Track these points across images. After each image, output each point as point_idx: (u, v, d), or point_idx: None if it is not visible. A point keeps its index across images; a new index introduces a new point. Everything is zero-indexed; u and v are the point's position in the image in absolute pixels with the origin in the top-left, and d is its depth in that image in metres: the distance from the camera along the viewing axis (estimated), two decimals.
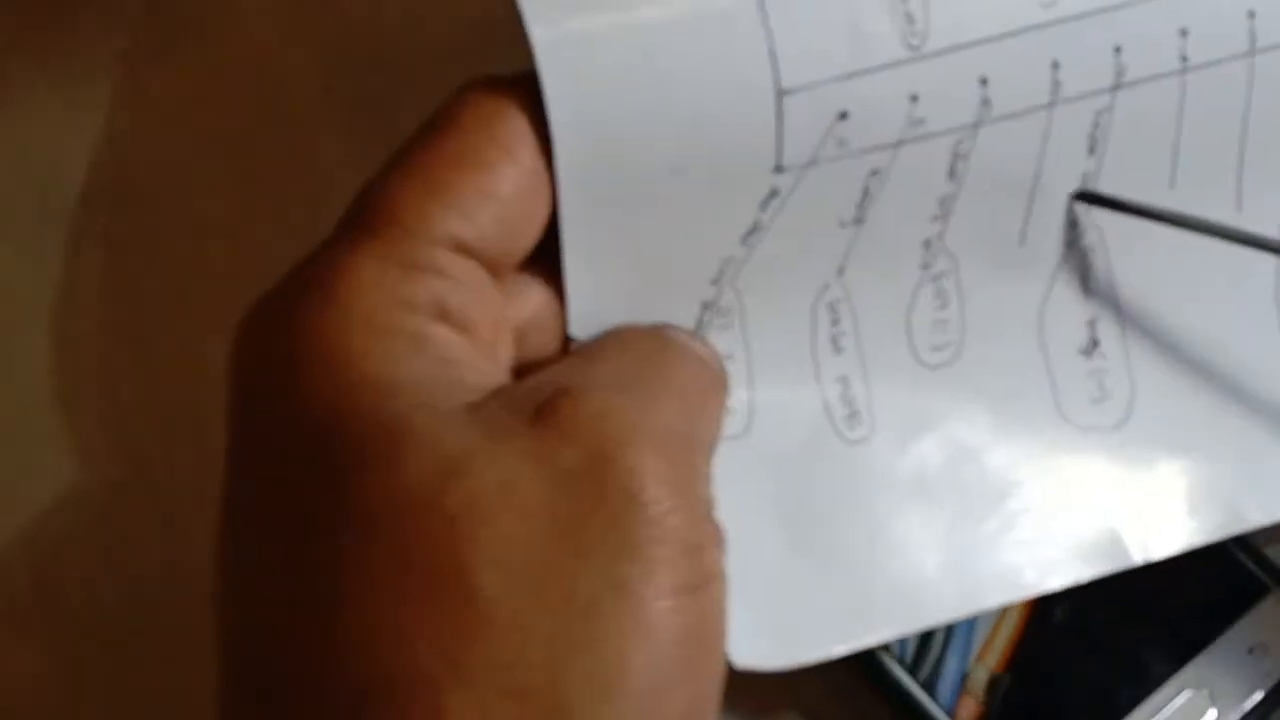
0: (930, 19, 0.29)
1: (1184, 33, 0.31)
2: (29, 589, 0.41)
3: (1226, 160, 0.33)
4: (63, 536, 0.41)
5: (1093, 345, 0.33)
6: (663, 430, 0.24)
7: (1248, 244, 0.32)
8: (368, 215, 0.26)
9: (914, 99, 0.29)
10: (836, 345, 0.31)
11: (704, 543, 0.25)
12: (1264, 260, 0.33)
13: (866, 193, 0.30)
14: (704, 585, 0.24)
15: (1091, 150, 0.31)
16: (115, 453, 0.41)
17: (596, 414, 0.24)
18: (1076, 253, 0.32)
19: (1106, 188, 0.32)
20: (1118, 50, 0.30)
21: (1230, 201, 0.33)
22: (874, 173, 0.30)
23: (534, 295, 0.28)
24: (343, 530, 0.23)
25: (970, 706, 0.37)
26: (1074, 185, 0.32)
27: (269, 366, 0.25)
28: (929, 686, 0.37)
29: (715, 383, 0.29)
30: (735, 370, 0.30)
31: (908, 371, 0.32)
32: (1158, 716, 0.36)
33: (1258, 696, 0.36)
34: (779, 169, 0.29)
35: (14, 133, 0.41)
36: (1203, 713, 0.36)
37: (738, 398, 0.31)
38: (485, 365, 0.26)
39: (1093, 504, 0.33)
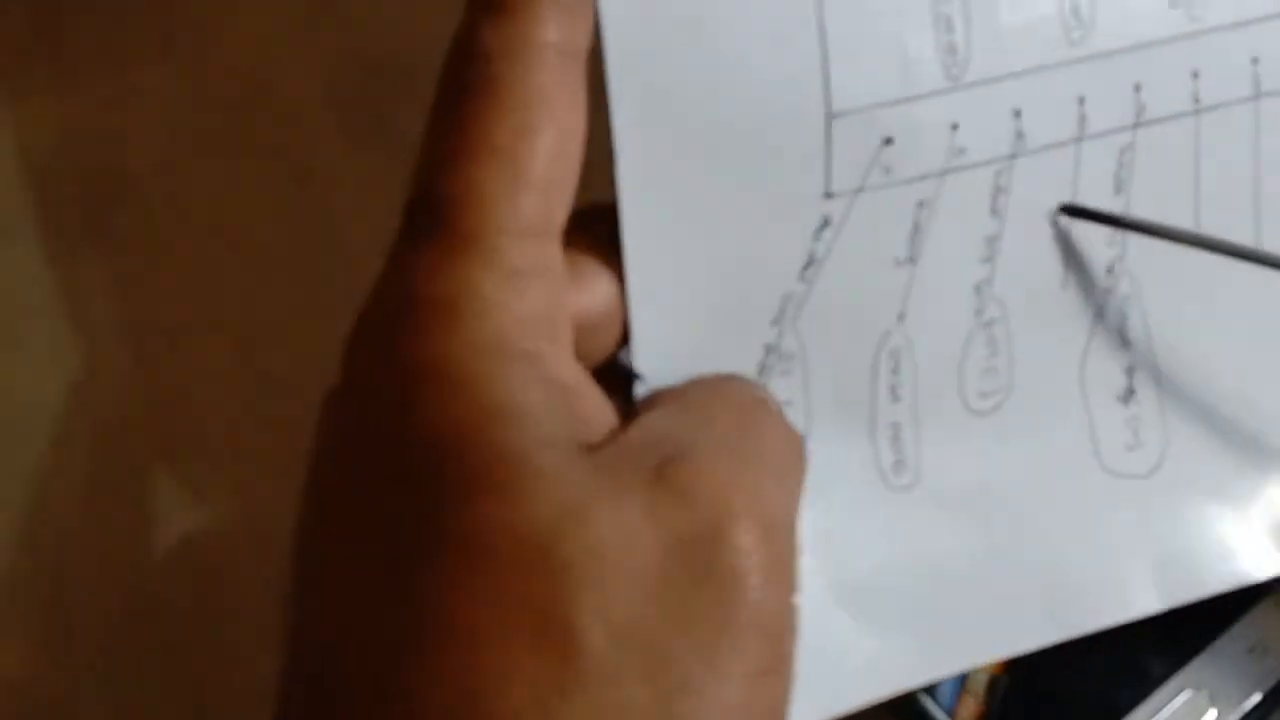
0: (971, 50, 0.30)
1: (1195, 75, 0.32)
2: (28, 591, 0.41)
3: (1244, 201, 0.34)
4: (63, 537, 0.41)
5: (1130, 393, 0.34)
6: (770, 511, 0.25)
7: (1247, 259, 0.33)
8: (459, 214, 0.25)
9: (954, 128, 0.30)
10: (895, 394, 0.32)
11: (788, 629, 0.25)
12: None
13: (916, 227, 0.31)
14: (781, 669, 0.24)
15: (1118, 189, 0.32)
16: (115, 453, 0.41)
17: (719, 485, 0.24)
18: (1115, 299, 0.33)
19: (1135, 236, 0.33)
20: (1138, 88, 0.32)
21: (1250, 240, 0.34)
22: (921, 204, 0.31)
23: (600, 289, 0.27)
24: (453, 558, 0.23)
25: (970, 706, 0.37)
26: (1106, 230, 0.33)
27: (391, 384, 0.24)
28: (929, 686, 0.37)
29: (800, 457, 0.28)
30: (793, 416, 0.31)
31: (956, 418, 0.33)
32: (1158, 716, 0.36)
33: (1258, 696, 0.36)
34: (829, 195, 0.30)
35: (15, 133, 0.41)
36: (1203, 713, 0.36)
37: None
38: (589, 390, 0.26)
39: (1125, 549, 0.33)
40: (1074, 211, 0.32)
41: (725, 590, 0.23)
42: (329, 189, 0.41)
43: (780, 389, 0.31)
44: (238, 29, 0.41)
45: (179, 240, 0.41)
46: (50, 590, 0.41)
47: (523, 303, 0.24)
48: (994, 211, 0.32)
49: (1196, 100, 0.33)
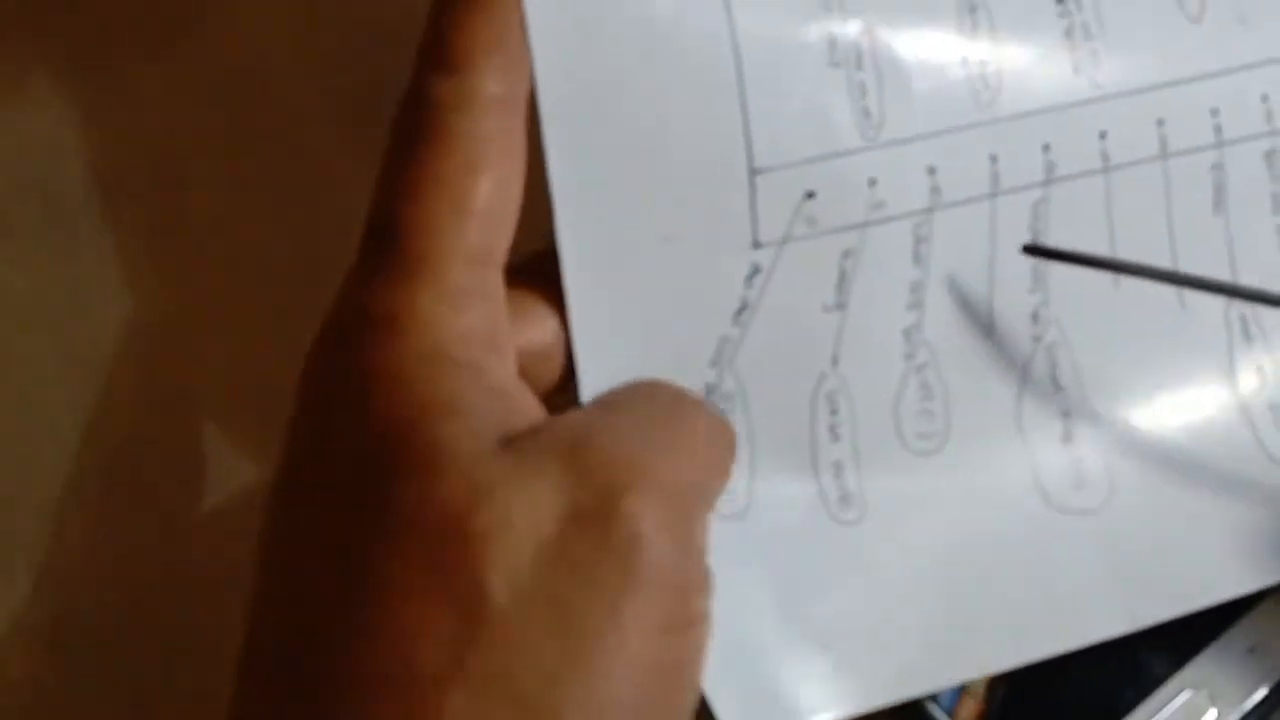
0: (885, 113, 0.32)
1: (1103, 135, 0.34)
2: (29, 592, 0.41)
3: (1160, 254, 0.35)
4: (63, 538, 0.41)
5: (1069, 435, 0.35)
6: (671, 481, 0.27)
7: (1204, 289, 0.34)
8: (405, 240, 0.28)
9: (873, 183, 0.32)
10: (834, 434, 0.34)
11: (694, 587, 0.27)
12: (1215, 341, 0.36)
13: (843, 275, 0.33)
14: (690, 625, 0.27)
15: (1035, 240, 0.34)
16: (114, 454, 0.41)
17: (618, 461, 0.26)
18: (1043, 345, 0.35)
19: (1054, 282, 0.35)
20: (1046, 148, 0.34)
21: (1173, 296, 0.36)
22: (846, 253, 0.33)
23: (544, 326, 0.30)
24: (381, 532, 0.26)
25: (970, 706, 0.37)
26: (1025, 277, 0.34)
27: (342, 391, 0.27)
28: None
29: (723, 442, 0.31)
30: (739, 455, 0.33)
31: (897, 458, 0.34)
32: (1158, 716, 0.36)
33: (1258, 696, 0.36)
34: (757, 244, 0.32)
35: (14, 132, 0.41)
36: (1203, 713, 0.36)
37: (739, 481, 0.33)
38: (523, 396, 0.28)
39: (1085, 580, 0.34)
40: (1037, 251, 0.34)
41: (624, 553, 0.26)
42: (329, 189, 0.40)
43: None
44: (238, 29, 0.41)
45: (178, 240, 0.41)
46: (50, 590, 0.41)
47: (462, 319, 0.27)
48: (917, 260, 0.33)
49: (1105, 159, 0.34)
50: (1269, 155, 0.36)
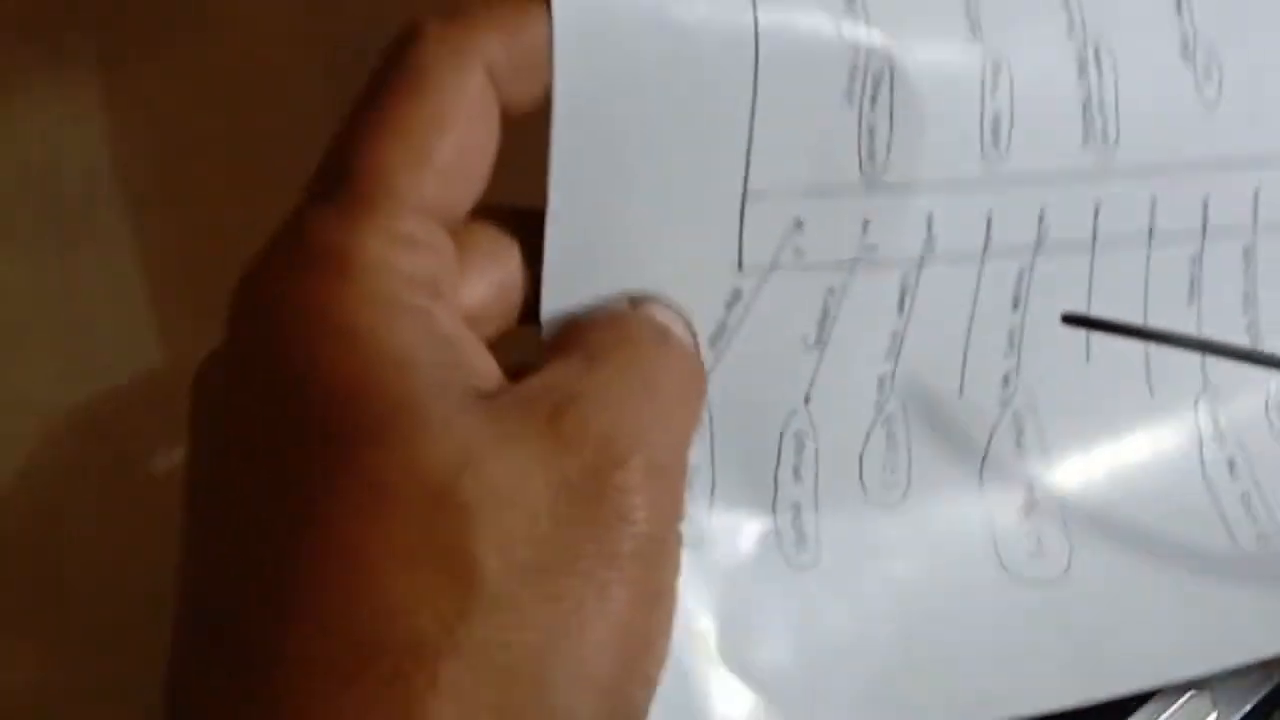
0: (891, 156, 0.32)
1: (1097, 210, 0.34)
2: (28, 592, 0.41)
3: (1135, 344, 0.35)
4: (63, 539, 0.41)
5: (1031, 504, 0.35)
6: (653, 451, 0.27)
7: (1248, 360, 0.34)
8: (360, 181, 0.27)
9: (866, 224, 0.32)
10: (797, 474, 0.34)
11: (668, 557, 0.27)
12: (1184, 432, 0.36)
13: (826, 312, 0.33)
14: (663, 595, 0.27)
15: (1015, 306, 0.34)
16: (114, 454, 0.41)
17: (604, 430, 0.26)
18: (1010, 413, 0.35)
19: (1028, 350, 0.35)
20: (1041, 215, 0.34)
21: (1143, 382, 0.36)
22: (831, 291, 0.32)
23: (494, 273, 0.30)
24: (360, 501, 0.25)
25: None
26: (1001, 341, 0.34)
27: (282, 335, 0.26)
28: None
29: (699, 386, 0.31)
30: (699, 482, 0.33)
31: (857, 506, 0.34)
32: (1161, 718, 0.36)
33: (1257, 696, 0.36)
34: (741, 268, 0.31)
35: (14, 133, 0.41)
36: (1205, 715, 0.36)
37: (698, 508, 0.33)
38: (470, 343, 0.28)
39: (1032, 649, 0.34)
40: (1078, 321, 0.34)
41: (611, 524, 0.26)
42: None
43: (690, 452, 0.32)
44: (237, 28, 0.41)
45: (178, 240, 0.41)
46: (51, 591, 0.41)
47: (410, 263, 0.27)
48: (900, 310, 0.33)
49: (1095, 234, 0.34)
50: (1247, 252, 0.36)
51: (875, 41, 0.31)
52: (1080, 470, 0.36)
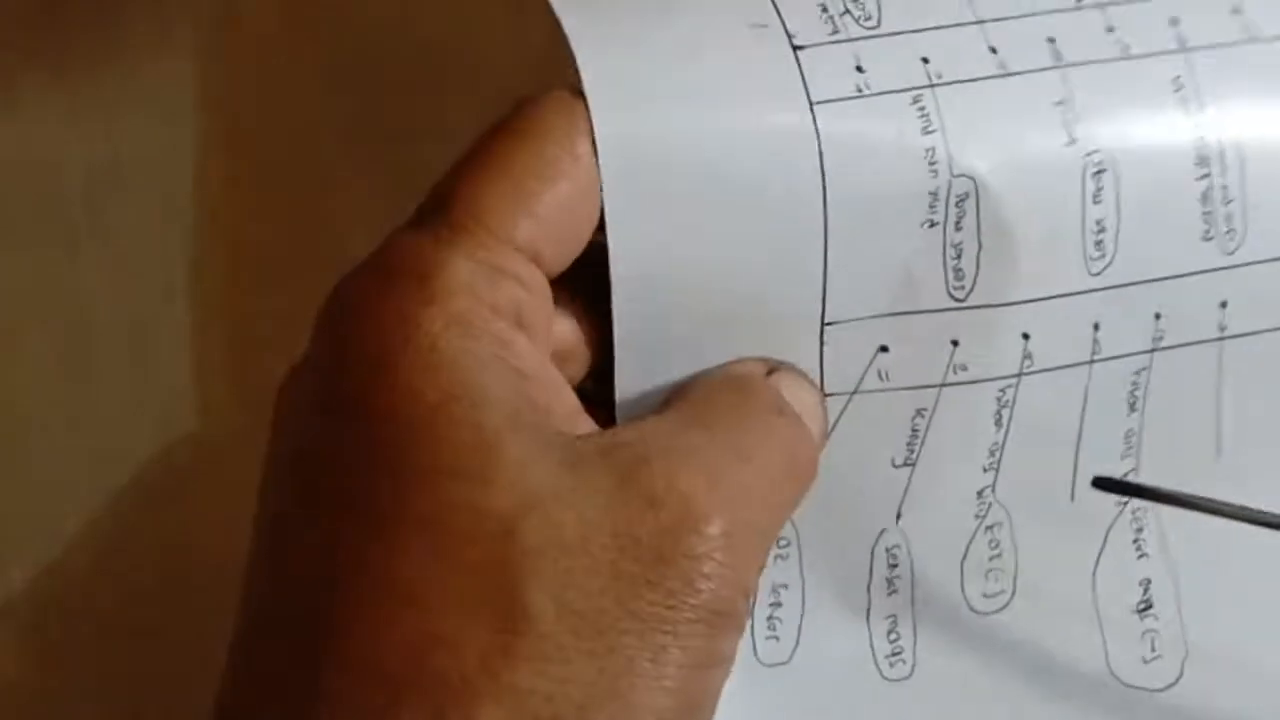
0: (980, 276, 0.30)
1: (1224, 304, 0.32)
2: (28, 593, 0.41)
3: (1273, 430, 0.34)
4: (60, 540, 0.41)
5: (1147, 605, 0.33)
6: (738, 518, 0.26)
7: (1266, 525, 0.32)
8: (456, 212, 0.27)
9: (955, 344, 0.31)
10: (891, 586, 0.32)
11: (732, 628, 0.26)
12: None
13: (914, 432, 0.31)
14: (720, 664, 0.26)
15: (1132, 408, 0.32)
16: (114, 456, 0.41)
17: (683, 493, 0.26)
18: (1128, 513, 0.33)
19: (1149, 448, 0.33)
20: (1158, 316, 0.32)
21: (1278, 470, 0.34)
22: (919, 412, 0.31)
23: (569, 321, 0.29)
24: (422, 534, 0.25)
25: None
26: (1118, 442, 0.33)
27: (362, 349, 0.26)
28: None
29: (806, 478, 0.29)
30: (790, 599, 0.32)
31: (956, 615, 0.33)
32: None
33: None
34: (825, 395, 0.31)
35: (14, 133, 0.41)
36: None
37: (788, 626, 0.32)
38: (550, 380, 0.27)
39: None
40: (1107, 484, 0.32)
41: (677, 590, 0.25)
42: (327, 189, 0.40)
43: (778, 572, 0.32)
44: (237, 29, 0.41)
45: (177, 240, 0.41)
46: (48, 592, 0.41)
47: (494, 292, 0.26)
48: (997, 423, 0.32)
49: (1222, 328, 0.32)
50: None
51: (957, 162, 0.30)
52: (1203, 570, 0.34)
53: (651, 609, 0.25)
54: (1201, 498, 0.32)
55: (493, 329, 0.26)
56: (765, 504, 0.27)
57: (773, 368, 0.30)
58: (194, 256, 0.41)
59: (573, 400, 0.28)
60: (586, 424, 0.28)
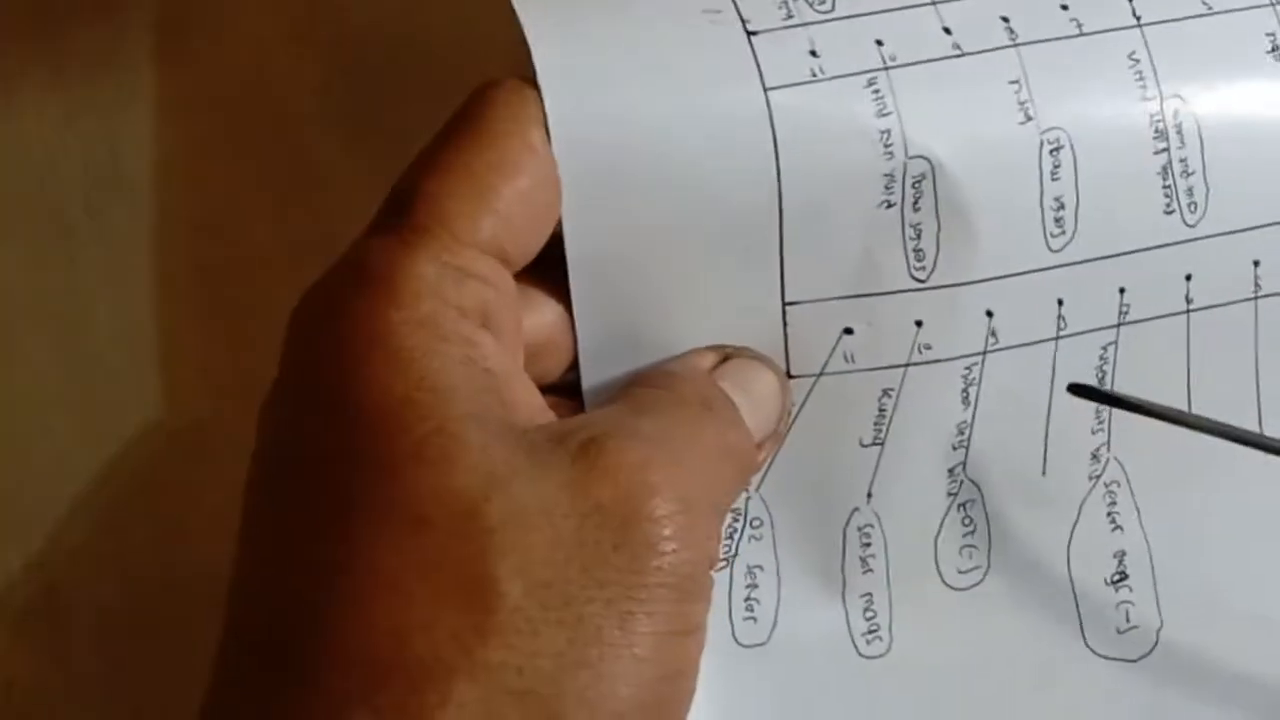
0: (941, 256, 0.31)
1: (1189, 276, 0.32)
2: (28, 592, 0.41)
3: (1244, 398, 0.34)
4: (62, 538, 0.41)
5: (1121, 577, 0.34)
6: (689, 489, 0.27)
7: (1251, 444, 0.32)
8: (418, 214, 0.27)
9: (919, 324, 0.31)
10: (865, 565, 0.33)
11: (701, 595, 0.27)
12: None
13: (882, 412, 0.32)
14: (691, 632, 0.27)
15: (1101, 382, 0.33)
16: (113, 455, 0.41)
17: (635, 463, 0.26)
18: (1100, 486, 0.34)
19: (1119, 422, 0.33)
20: (1122, 290, 0.32)
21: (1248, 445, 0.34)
22: (886, 392, 0.31)
23: (547, 314, 0.30)
24: (391, 519, 0.25)
25: None
26: (1089, 418, 0.33)
27: (332, 352, 0.27)
28: None
29: (744, 462, 0.30)
30: (765, 580, 0.32)
31: (932, 592, 0.33)
32: None
33: None
34: (789, 376, 0.31)
35: (14, 133, 0.41)
36: None
37: (765, 608, 0.32)
38: (517, 379, 0.28)
39: None
40: (1082, 391, 0.32)
41: (638, 554, 0.26)
42: (327, 188, 0.40)
43: (752, 553, 0.32)
44: (236, 29, 0.41)
45: (177, 240, 0.41)
46: (49, 592, 0.41)
47: (459, 293, 0.27)
48: (965, 401, 0.32)
49: (1189, 301, 0.32)
50: None
51: (912, 143, 0.30)
52: (1177, 538, 0.34)
53: (617, 575, 0.25)
54: (1177, 410, 0.32)
55: (460, 330, 0.27)
56: (708, 480, 0.28)
57: (727, 355, 0.31)
58: (193, 256, 0.41)
59: (538, 399, 0.28)
60: (551, 419, 0.28)
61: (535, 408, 0.28)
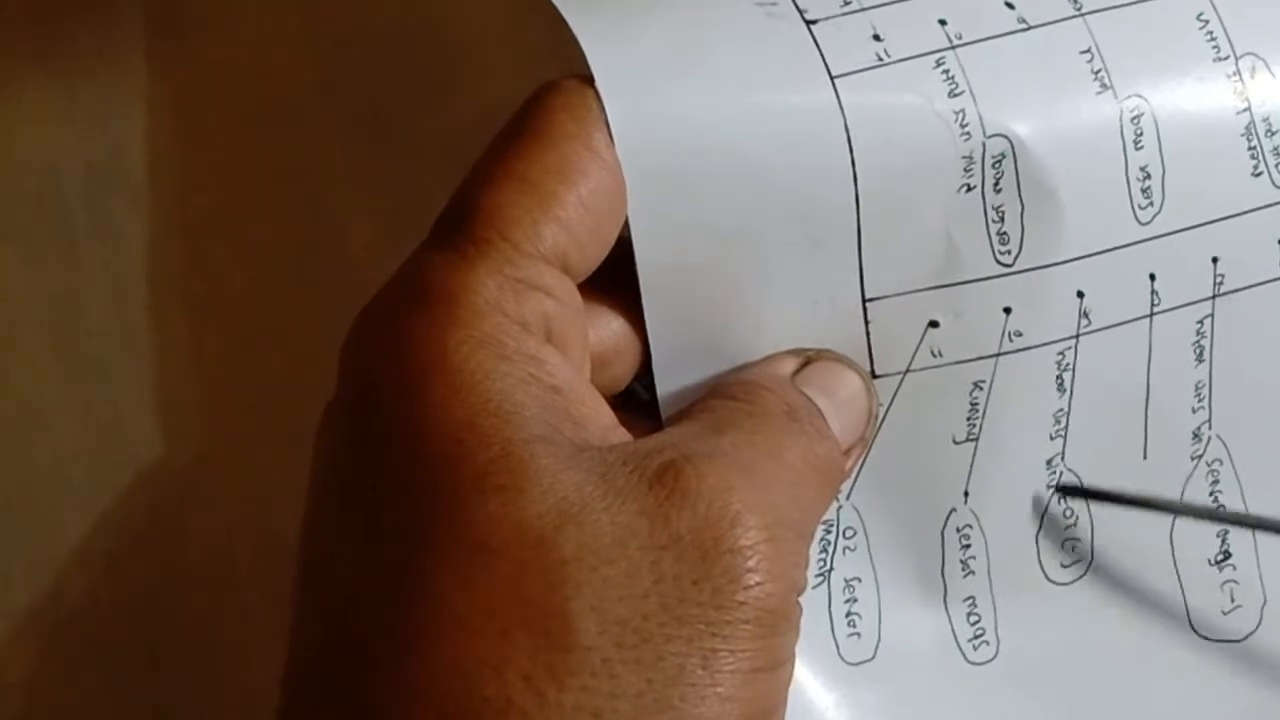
0: (1026, 238, 0.30)
1: None
2: (28, 592, 0.41)
3: None
4: (62, 539, 0.41)
5: (1224, 556, 0.33)
6: (774, 514, 0.25)
7: (1246, 526, 0.32)
8: (477, 225, 0.26)
9: (1008, 311, 0.30)
10: (966, 568, 0.32)
11: (787, 628, 0.25)
12: None
13: (974, 407, 0.30)
14: (778, 667, 0.25)
15: (1200, 358, 0.32)
16: (114, 455, 0.41)
17: (716, 489, 0.25)
18: (1203, 466, 0.32)
19: (1221, 397, 0.32)
20: (1215, 260, 0.31)
21: None
22: (977, 385, 0.30)
23: (612, 323, 0.29)
24: (456, 552, 0.24)
25: None
26: (1188, 395, 0.32)
27: (391, 375, 0.25)
28: None
29: (832, 475, 0.29)
30: (864, 593, 0.31)
31: (1036, 590, 0.32)
32: None
33: None
34: (874, 376, 0.30)
35: (14, 133, 0.41)
36: None
37: (866, 621, 0.31)
38: (586, 394, 0.27)
39: (1218, 715, 0.32)
40: (1071, 491, 0.32)
41: (722, 588, 0.24)
42: (328, 188, 0.40)
43: (848, 565, 0.31)
44: (236, 29, 0.41)
45: (177, 240, 0.41)
46: (49, 592, 0.41)
47: (522, 308, 0.26)
48: (1060, 389, 0.31)
49: None
50: None
51: (989, 122, 0.29)
52: (1277, 515, 0.33)
53: (699, 610, 0.24)
54: (1174, 501, 0.32)
55: (524, 347, 0.25)
56: (795, 502, 0.26)
57: (808, 359, 0.29)
58: (193, 256, 0.41)
59: (608, 414, 0.27)
60: (623, 436, 0.27)
61: (606, 425, 0.27)
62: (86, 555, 0.41)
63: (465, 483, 0.24)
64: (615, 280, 0.28)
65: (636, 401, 0.29)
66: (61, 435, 0.41)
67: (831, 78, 0.28)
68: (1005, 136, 0.29)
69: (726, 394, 0.28)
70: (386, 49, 0.41)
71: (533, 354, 0.26)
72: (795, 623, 0.26)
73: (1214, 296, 0.31)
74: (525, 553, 0.24)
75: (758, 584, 0.24)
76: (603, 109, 0.27)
